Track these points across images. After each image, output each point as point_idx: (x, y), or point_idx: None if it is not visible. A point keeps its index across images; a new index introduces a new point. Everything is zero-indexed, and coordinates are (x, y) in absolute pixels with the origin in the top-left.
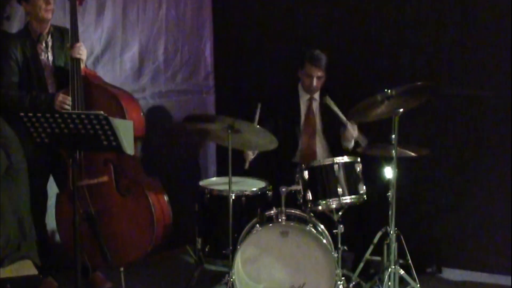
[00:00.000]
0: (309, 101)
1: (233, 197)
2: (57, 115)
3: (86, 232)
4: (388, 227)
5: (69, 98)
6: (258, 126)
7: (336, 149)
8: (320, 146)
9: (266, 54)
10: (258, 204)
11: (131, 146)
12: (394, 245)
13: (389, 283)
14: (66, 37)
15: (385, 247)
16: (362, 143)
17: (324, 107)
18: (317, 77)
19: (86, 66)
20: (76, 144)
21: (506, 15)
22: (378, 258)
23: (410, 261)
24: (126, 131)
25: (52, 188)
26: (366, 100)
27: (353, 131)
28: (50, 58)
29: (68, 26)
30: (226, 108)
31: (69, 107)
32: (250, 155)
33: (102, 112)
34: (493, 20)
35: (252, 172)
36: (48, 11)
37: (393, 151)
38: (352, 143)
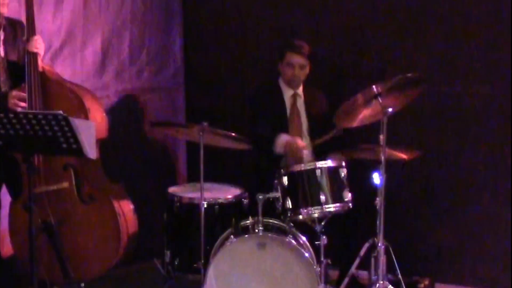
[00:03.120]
0: (293, 98)
1: (205, 206)
2: (11, 115)
3: (44, 243)
4: (375, 239)
5: (25, 95)
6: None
7: (321, 151)
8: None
9: (242, 47)
10: (232, 213)
11: (93, 149)
12: (382, 258)
13: None
14: (19, 30)
15: (373, 260)
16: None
17: (310, 105)
18: (299, 66)
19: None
20: (33, 147)
21: (503, 5)
22: (365, 272)
23: (400, 276)
24: (87, 133)
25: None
26: (351, 100)
27: None
28: (2, 53)
29: (22, 18)
30: (198, 108)
31: (24, 106)
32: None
33: (61, 112)
34: (490, 10)
35: (226, 177)
36: (4, 5)
37: (382, 154)
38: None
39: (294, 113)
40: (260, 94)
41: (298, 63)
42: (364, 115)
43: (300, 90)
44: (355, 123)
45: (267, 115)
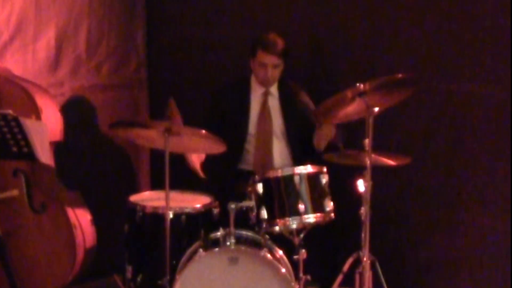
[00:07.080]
0: (264, 96)
1: (171, 216)
2: None
3: None
4: (360, 252)
5: None
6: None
7: (301, 156)
8: (279, 152)
9: (210, 41)
10: (201, 224)
11: (46, 153)
12: (368, 274)
13: None
14: None
15: (357, 276)
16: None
17: (286, 104)
18: (272, 65)
19: None
20: None
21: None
22: None
23: None
24: (40, 135)
25: None
26: (333, 97)
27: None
28: None
29: None
30: (162, 106)
31: None
32: (195, 160)
33: (10, 112)
34: (487, 6)
35: (194, 184)
36: None
37: (367, 159)
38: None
39: (265, 112)
40: (225, 91)
41: (271, 63)
42: (346, 112)
43: (274, 88)
44: (336, 120)
45: (228, 115)
